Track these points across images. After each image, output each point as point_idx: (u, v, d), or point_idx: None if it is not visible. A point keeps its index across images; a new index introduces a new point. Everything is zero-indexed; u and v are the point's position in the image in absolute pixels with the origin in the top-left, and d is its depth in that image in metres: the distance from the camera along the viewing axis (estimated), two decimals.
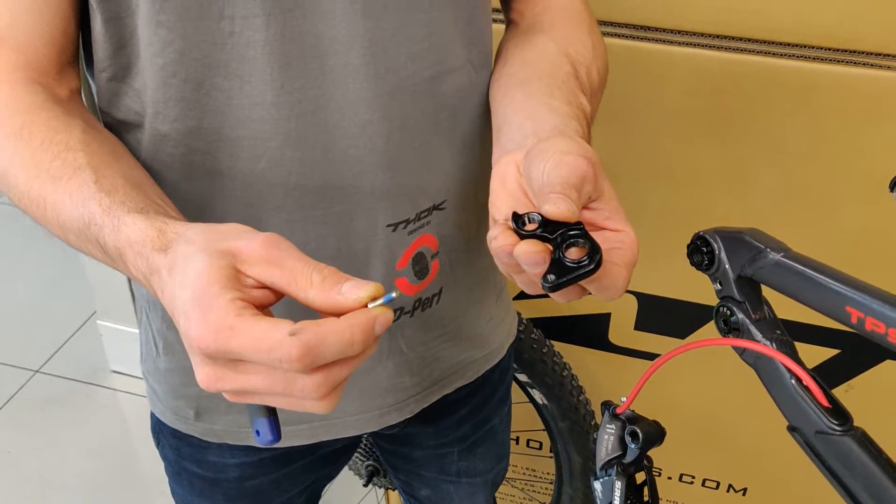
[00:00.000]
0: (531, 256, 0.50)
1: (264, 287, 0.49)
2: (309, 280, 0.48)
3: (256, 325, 0.45)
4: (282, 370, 0.46)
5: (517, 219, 0.53)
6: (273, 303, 0.50)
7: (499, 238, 0.53)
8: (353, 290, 0.47)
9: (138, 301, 0.86)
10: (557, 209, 0.51)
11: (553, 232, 0.51)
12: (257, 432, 0.52)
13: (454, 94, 0.74)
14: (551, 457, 1.52)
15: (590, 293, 0.54)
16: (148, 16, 0.63)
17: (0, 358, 2.33)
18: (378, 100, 0.69)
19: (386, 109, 0.70)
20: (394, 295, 0.48)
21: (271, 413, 0.51)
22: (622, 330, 1.37)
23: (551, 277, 0.50)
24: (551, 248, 0.51)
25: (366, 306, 0.47)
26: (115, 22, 0.65)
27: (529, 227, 0.52)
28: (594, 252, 0.50)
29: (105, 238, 0.55)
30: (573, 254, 0.50)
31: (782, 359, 0.54)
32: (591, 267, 0.49)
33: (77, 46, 0.69)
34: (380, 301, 0.47)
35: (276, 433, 0.51)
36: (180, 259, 0.49)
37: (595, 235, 0.53)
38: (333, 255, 0.74)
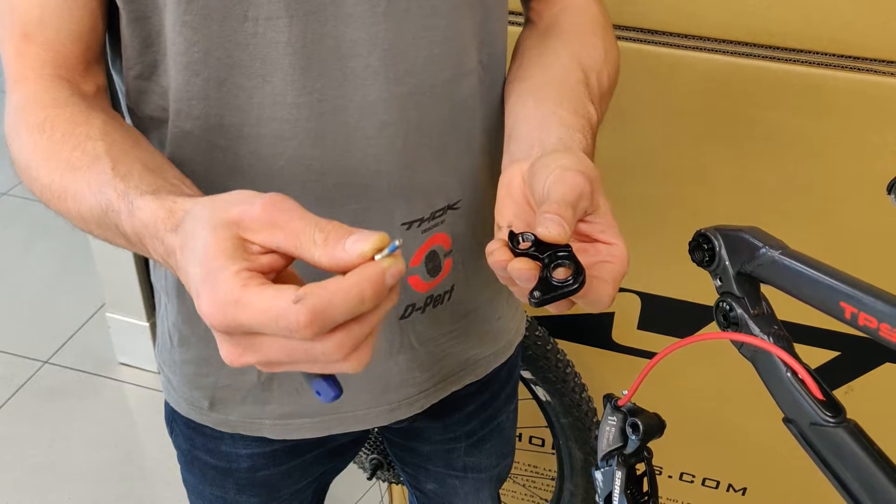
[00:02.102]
0: (522, 273, 0.55)
1: (272, 252, 0.47)
2: (312, 240, 0.46)
3: (260, 296, 0.44)
4: (295, 338, 0.44)
5: (513, 237, 0.57)
6: (284, 267, 0.48)
7: (495, 254, 0.57)
8: (356, 245, 0.45)
9: (157, 292, 0.87)
10: (549, 232, 0.54)
11: (544, 252, 0.55)
12: (318, 393, 0.49)
13: (471, 96, 0.75)
14: (553, 453, 1.53)
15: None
16: (174, 16, 0.64)
17: (9, 348, 2.33)
18: (396, 101, 0.70)
19: (404, 111, 0.71)
20: (398, 243, 0.46)
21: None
22: (625, 329, 1.37)
23: (537, 294, 0.54)
24: (541, 266, 0.55)
25: (373, 259, 0.45)
26: (141, 21, 0.66)
27: (523, 245, 0.56)
28: (578, 273, 0.54)
29: (123, 223, 0.55)
30: (560, 273, 0.54)
31: (778, 352, 0.54)
32: (575, 287, 0.54)
33: (103, 44, 0.70)
34: (385, 252, 0.45)
35: (337, 388, 0.49)
36: (189, 237, 0.48)
37: (588, 247, 0.59)
38: None
